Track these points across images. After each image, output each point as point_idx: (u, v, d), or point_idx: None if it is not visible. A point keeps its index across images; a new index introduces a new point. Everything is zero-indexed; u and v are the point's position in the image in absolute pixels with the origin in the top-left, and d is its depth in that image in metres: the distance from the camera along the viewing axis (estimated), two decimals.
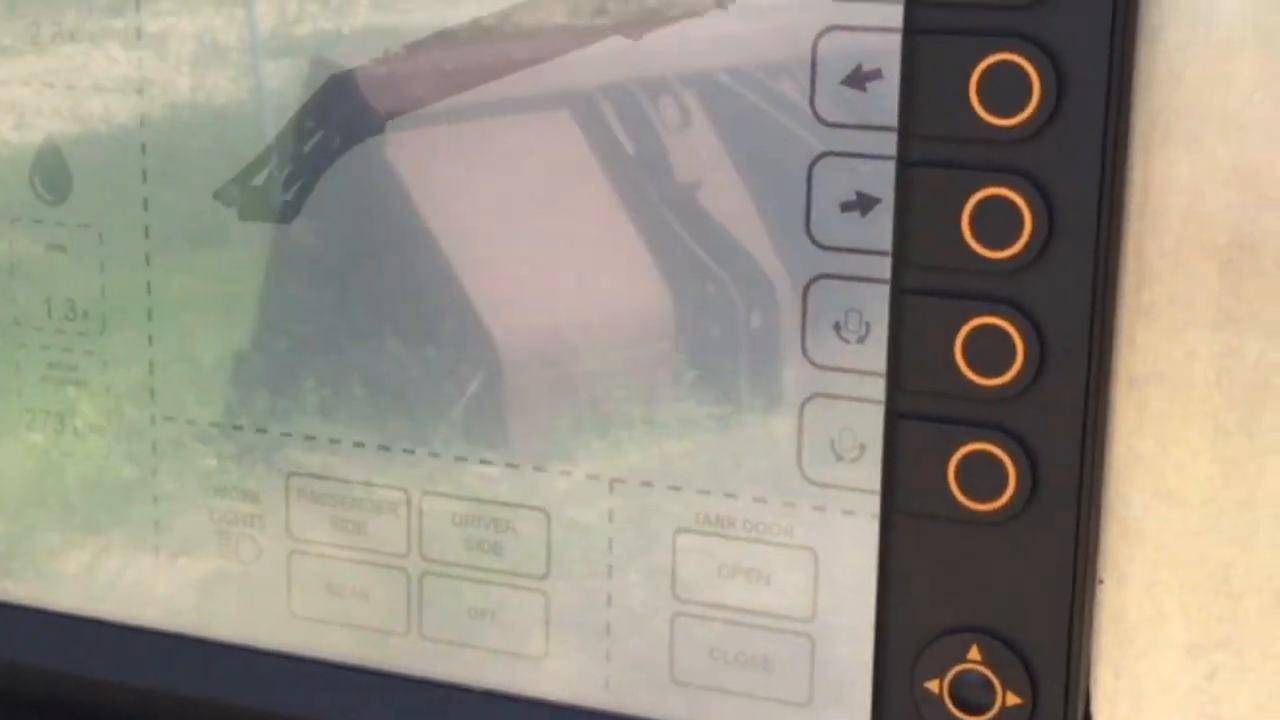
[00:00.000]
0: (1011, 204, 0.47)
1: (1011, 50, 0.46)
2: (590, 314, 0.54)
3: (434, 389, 0.55)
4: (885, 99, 0.49)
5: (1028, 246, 0.47)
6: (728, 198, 0.51)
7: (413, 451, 0.55)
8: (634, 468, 0.53)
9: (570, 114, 0.53)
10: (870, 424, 0.50)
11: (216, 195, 0.56)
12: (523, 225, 0.53)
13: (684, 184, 0.52)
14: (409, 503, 0.56)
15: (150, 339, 0.58)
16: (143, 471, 0.59)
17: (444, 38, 0.53)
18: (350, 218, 0.55)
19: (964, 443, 0.48)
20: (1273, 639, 0.47)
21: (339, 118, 0.54)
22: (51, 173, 0.58)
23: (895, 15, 0.48)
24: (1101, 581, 0.48)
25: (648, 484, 0.53)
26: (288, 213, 0.56)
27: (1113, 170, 0.46)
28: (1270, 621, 0.47)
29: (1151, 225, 0.46)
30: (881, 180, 0.49)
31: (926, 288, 0.48)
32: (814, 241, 0.50)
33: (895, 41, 0.48)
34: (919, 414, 0.49)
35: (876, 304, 0.49)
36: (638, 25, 0.51)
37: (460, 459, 0.55)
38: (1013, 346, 0.47)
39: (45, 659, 0.60)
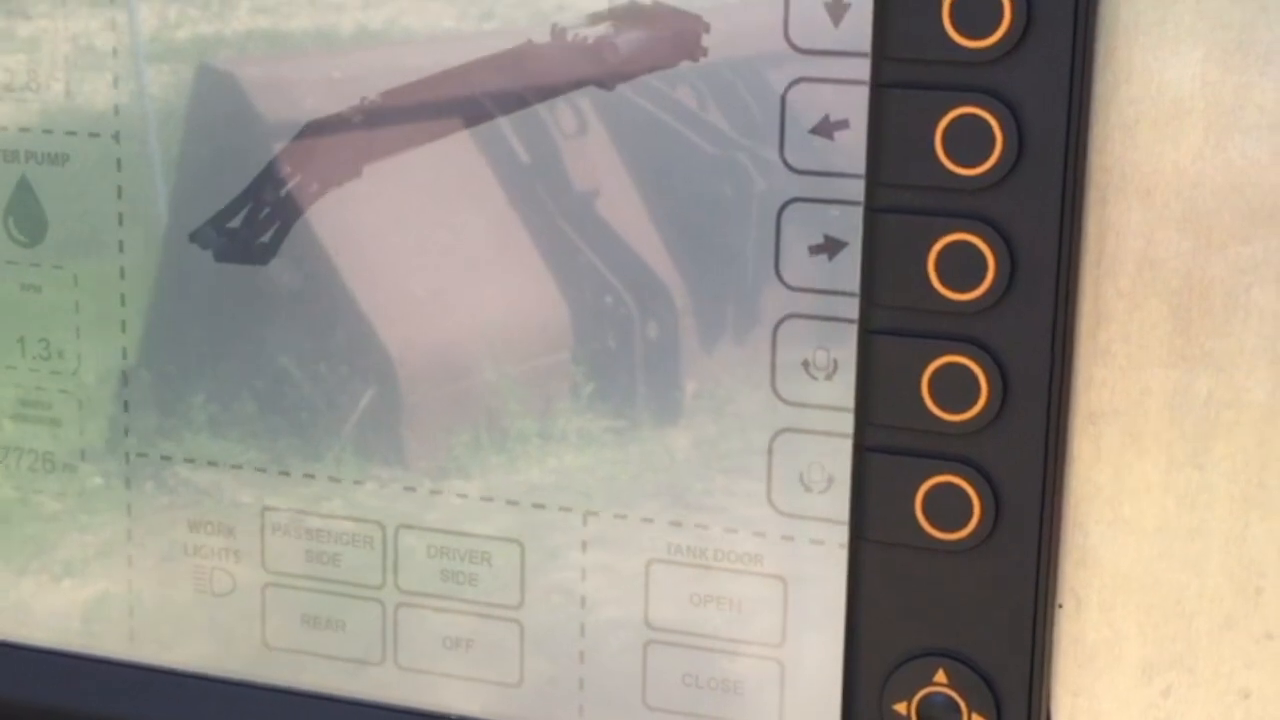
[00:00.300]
0: (975, 249, 0.49)
1: (975, 104, 0.48)
2: (488, 326, 0.56)
3: (327, 405, 0.57)
4: (852, 147, 0.51)
5: (991, 289, 0.49)
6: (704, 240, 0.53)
7: (386, 484, 0.57)
8: (609, 498, 0.55)
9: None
10: (838, 457, 0.52)
11: (193, 238, 0.58)
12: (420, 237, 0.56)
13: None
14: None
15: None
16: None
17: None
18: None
19: (931, 475, 0.50)
20: (1222, 658, 0.50)
21: (317, 164, 0.56)
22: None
23: (862, 69, 0.50)
24: (1060, 606, 0.51)
25: (621, 515, 0.55)
26: (265, 254, 0.57)
27: (1071, 217, 0.48)
28: (1220, 641, 0.50)
29: (1108, 270, 0.49)
30: (848, 225, 0.51)
31: (893, 328, 0.50)
32: (783, 282, 0.52)
33: (862, 93, 0.50)
34: (887, 448, 0.51)
35: (844, 342, 0.52)
36: (613, 77, 0.53)
37: (435, 492, 0.57)
38: (977, 384, 0.50)
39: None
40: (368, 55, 0.55)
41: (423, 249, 0.55)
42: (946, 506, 0.50)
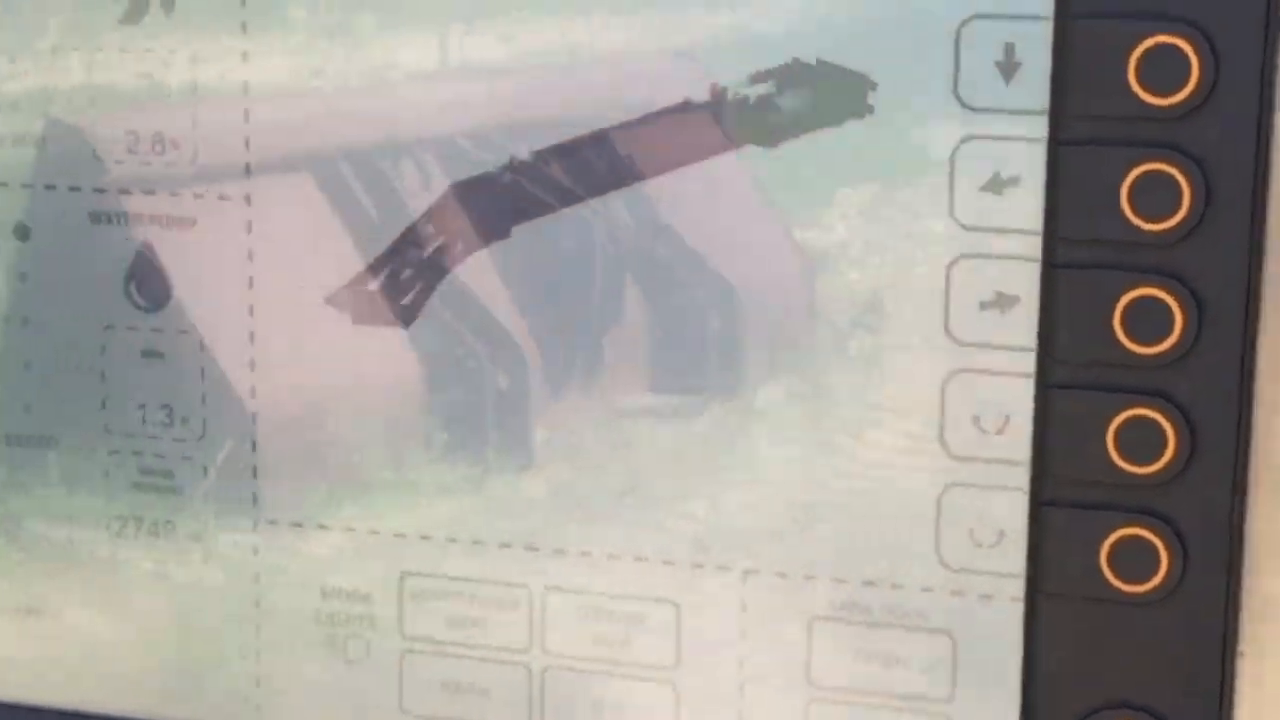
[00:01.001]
0: (1162, 302, 0.49)
1: (1162, 159, 0.49)
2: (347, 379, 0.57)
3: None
4: (1024, 204, 0.51)
5: (1179, 342, 0.49)
6: None
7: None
8: (769, 558, 0.55)
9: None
10: (1009, 512, 0.53)
11: (329, 301, 0.57)
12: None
13: None
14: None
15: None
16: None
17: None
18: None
19: (1117, 528, 0.51)
20: None
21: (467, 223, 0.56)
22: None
23: (1034, 125, 0.51)
24: (1242, 654, 0.51)
25: (782, 575, 0.55)
26: (408, 316, 0.57)
27: (1257, 269, 0.49)
28: None
29: None
30: (1019, 280, 0.52)
31: (1075, 382, 0.51)
32: (953, 338, 0.52)
33: (1034, 150, 0.51)
34: (1069, 501, 0.51)
35: (1015, 397, 0.52)
36: (775, 136, 0.53)
37: (584, 554, 0.56)
38: (1164, 437, 0.50)
39: None
40: (513, 115, 0.55)
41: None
42: (1133, 559, 0.51)
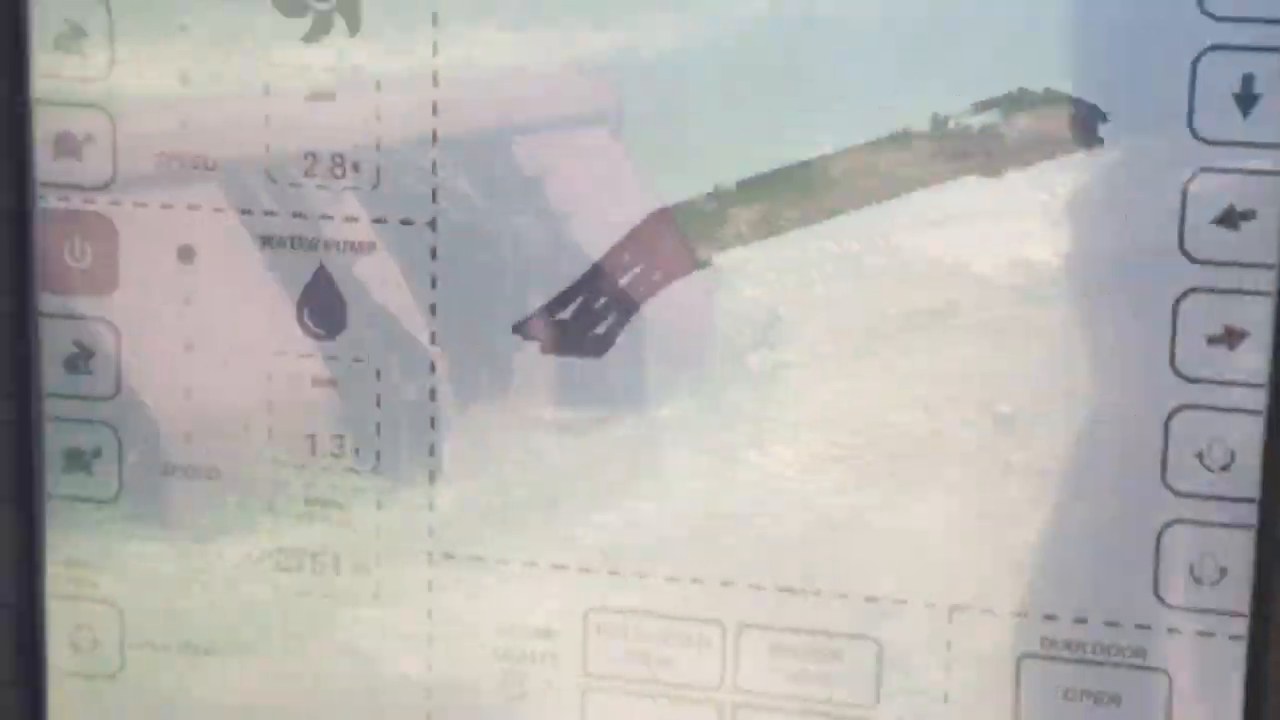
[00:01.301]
0: None
1: None
2: None
3: None
4: (1259, 238, 0.51)
5: None
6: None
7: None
8: (976, 592, 0.54)
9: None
10: (1233, 549, 0.52)
11: (516, 329, 0.55)
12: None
13: None
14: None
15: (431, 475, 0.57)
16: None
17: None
18: None
19: None
20: None
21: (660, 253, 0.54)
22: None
23: (1273, 159, 0.50)
24: None
25: (988, 611, 0.54)
26: (600, 347, 0.55)
27: None
28: None
29: None
30: (1250, 315, 0.51)
31: None
32: (1178, 373, 0.52)
33: (1271, 184, 0.50)
34: None
35: (1243, 433, 0.51)
36: (999, 166, 0.52)
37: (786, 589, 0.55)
38: None
39: None
40: (722, 143, 0.53)
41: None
42: None
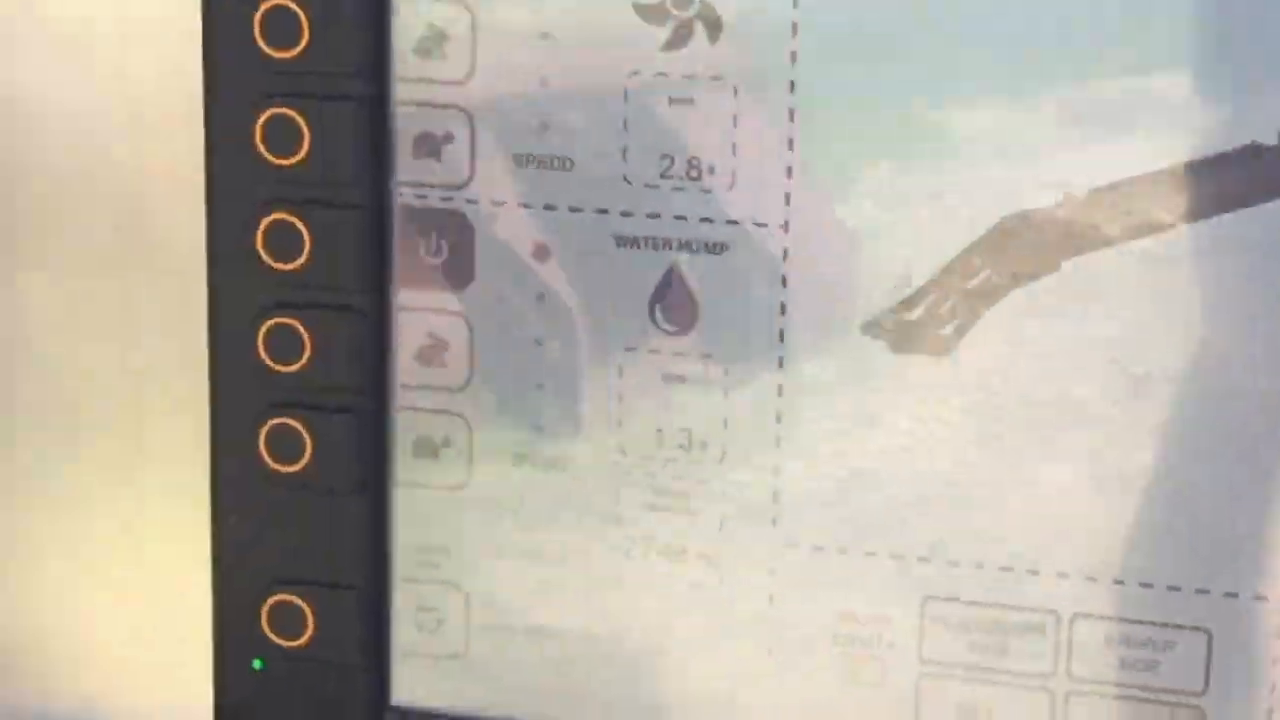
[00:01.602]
0: None
1: None
2: None
3: None
4: None
5: None
6: None
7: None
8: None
9: None
10: None
11: (864, 329, 0.57)
12: None
13: None
14: None
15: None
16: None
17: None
18: None
19: None
20: None
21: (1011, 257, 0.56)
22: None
23: None
24: None
25: (1261, 597, 0.55)
26: (946, 347, 0.57)
27: None
28: None
29: None
30: None
31: None
32: None
33: None
34: None
35: None
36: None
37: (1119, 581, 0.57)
38: None
39: None
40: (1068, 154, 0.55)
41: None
42: None
